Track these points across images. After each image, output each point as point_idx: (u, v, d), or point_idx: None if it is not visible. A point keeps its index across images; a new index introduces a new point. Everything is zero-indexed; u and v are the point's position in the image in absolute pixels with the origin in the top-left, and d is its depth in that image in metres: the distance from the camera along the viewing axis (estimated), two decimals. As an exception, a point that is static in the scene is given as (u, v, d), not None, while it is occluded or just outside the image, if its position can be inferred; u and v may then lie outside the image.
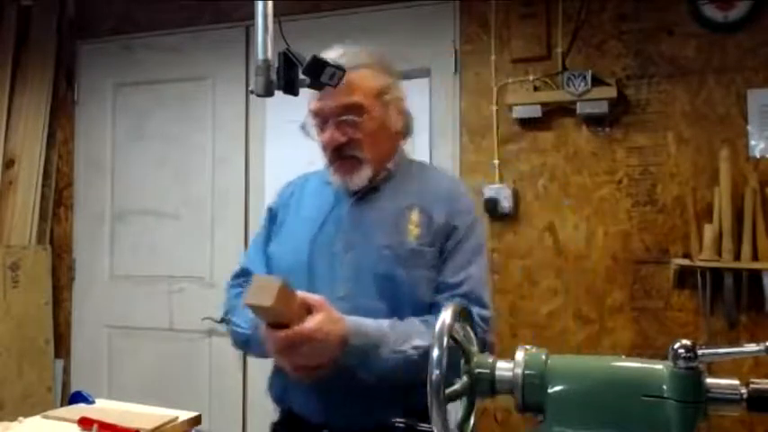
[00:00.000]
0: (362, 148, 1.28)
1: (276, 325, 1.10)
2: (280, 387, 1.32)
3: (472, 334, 0.89)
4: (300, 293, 1.12)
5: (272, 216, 1.44)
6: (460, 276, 1.26)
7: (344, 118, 1.26)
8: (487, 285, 1.33)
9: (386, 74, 1.33)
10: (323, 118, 1.28)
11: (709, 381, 0.71)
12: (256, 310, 1.07)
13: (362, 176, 1.29)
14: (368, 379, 1.17)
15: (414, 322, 1.21)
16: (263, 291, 1.04)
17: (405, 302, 1.24)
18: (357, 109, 1.26)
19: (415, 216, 1.28)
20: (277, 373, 1.34)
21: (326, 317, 1.12)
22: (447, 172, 1.41)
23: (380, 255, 1.25)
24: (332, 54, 1.18)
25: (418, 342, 1.17)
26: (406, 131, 1.39)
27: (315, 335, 1.10)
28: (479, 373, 0.80)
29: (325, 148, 1.30)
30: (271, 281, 1.05)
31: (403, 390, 1.22)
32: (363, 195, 1.32)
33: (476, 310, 1.19)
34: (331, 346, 1.12)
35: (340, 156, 1.29)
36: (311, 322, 1.10)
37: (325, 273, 1.27)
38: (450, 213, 1.29)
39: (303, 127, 1.33)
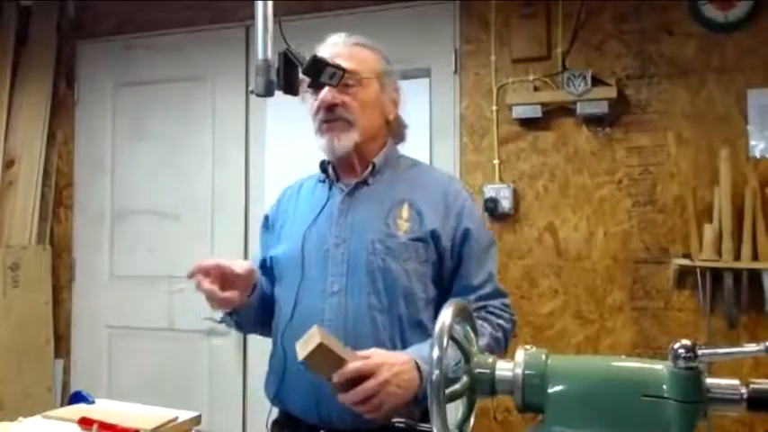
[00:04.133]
0: (354, 111, 1.29)
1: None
2: (275, 386, 1.32)
3: (472, 334, 0.89)
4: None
5: (269, 223, 1.45)
6: (483, 276, 1.29)
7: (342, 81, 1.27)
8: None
9: (389, 66, 1.36)
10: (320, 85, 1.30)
11: (709, 381, 0.71)
12: (311, 362, 1.04)
13: (350, 138, 1.29)
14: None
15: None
16: (307, 341, 1.03)
17: (398, 296, 1.24)
18: (354, 76, 1.28)
19: (405, 211, 1.29)
20: (272, 371, 1.35)
21: (382, 354, 1.11)
22: (441, 170, 1.42)
23: (372, 249, 1.25)
24: (338, 38, 1.23)
25: None
26: (398, 130, 1.41)
27: (385, 359, 1.08)
28: (479, 373, 0.80)
29: (317, 109, 1.31)
30: (309, 332, 1.05)
31: None
32: (353, 191, 1.33)
33: (500, 301, 1.30)
34: (409, 377, 1.10)
35: (331, 116, 1.30)
36: (375, 357, 1.09)
37: (318, 269, 1.28)
38: (457, 215, 1.30)
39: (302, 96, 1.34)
